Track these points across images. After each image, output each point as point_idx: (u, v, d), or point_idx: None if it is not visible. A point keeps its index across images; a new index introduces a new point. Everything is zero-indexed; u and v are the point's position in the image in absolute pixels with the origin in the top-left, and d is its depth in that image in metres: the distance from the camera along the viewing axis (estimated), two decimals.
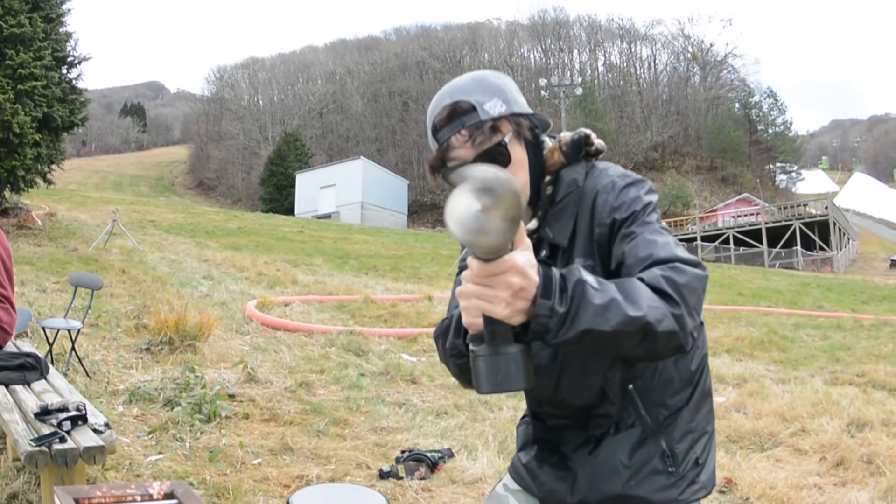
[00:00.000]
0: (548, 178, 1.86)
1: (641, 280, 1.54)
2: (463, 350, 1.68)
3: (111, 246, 19.97)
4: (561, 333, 1.42)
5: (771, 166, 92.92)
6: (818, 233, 56.29)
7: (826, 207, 58.50)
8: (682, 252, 1.64)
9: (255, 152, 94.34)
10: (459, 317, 1.64)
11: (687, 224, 63.98)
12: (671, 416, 1.84)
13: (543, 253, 1.82)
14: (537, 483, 1.97)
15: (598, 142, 1.88)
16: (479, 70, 1.92)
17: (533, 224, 1.85)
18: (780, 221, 58.64)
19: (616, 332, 1.44)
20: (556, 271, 1.44)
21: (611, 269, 1.73)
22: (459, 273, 1.81)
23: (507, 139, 1.74)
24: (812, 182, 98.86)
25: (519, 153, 1.78)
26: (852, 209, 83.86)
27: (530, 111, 1.83)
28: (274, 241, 28.52)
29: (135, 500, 2.38)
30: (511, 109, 1.78)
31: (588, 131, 1.89)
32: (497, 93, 1.78)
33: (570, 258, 1.79)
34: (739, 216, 64.73)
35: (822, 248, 56.28)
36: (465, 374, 1.69)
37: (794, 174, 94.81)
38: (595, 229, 1.77)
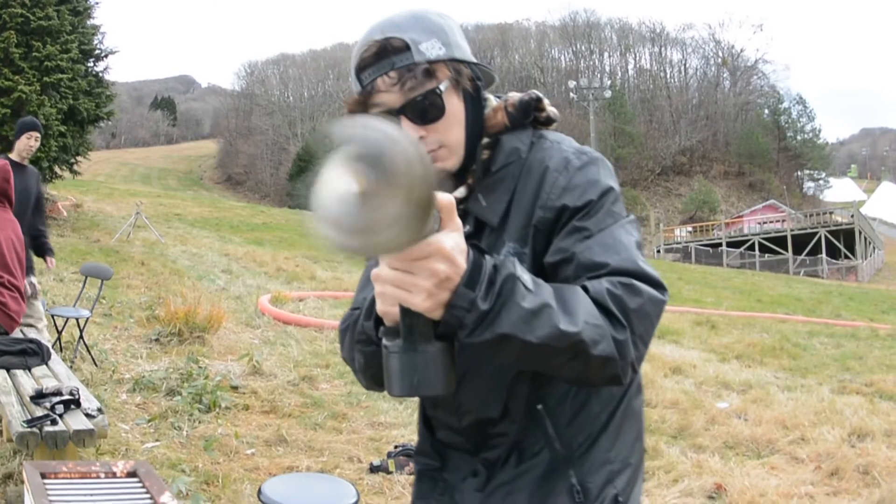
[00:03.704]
0: (486, 141, 1.58)
1: (585, 290, 1.33)
2: (373, 336, 1.41)
3: (134, 238, 20.18)
4: (476, 333, 1.21)
5: (799, 173, 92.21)
6: (843, 241, 55.83)
7: (852, 216, 58.02)
8: (643, 263, 1.40)
9: (284, 148, 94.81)
10: (373, 300, 1.35)
11: (713, 229, 63.70)
12: (585, 442, 1.55)
13: (466, 229, 1.48)
14: None
15: (550, 109, 1.64)
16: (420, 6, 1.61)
17: (461, 192, 1.56)
18: (805, 229, 58.13)
19: (541, 345, 1.23)
20: (489, 260, 1.21)
21: (543, 262, 1.49)
22: None
23: (442, 87, 1.48)
24: (840, 190, 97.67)
25: (455, 105, 1.52)
26: (879, 218, 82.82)
27: (474, 59, 1.57)
28: (297, 238, 28.55)
29: (98, 477, 2.48)
30: (451, 54, 1.51)
31: (540, 94, 1.64)
32: (437, 33, 1.51)
33: (497, 240, 1.53)
34: (765, 223, 64.31)
35: (847, 257, 55.84)
36: (371, 366, 1.47)
37: (821, 182, 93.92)
38: (536, 212, 1.50)
